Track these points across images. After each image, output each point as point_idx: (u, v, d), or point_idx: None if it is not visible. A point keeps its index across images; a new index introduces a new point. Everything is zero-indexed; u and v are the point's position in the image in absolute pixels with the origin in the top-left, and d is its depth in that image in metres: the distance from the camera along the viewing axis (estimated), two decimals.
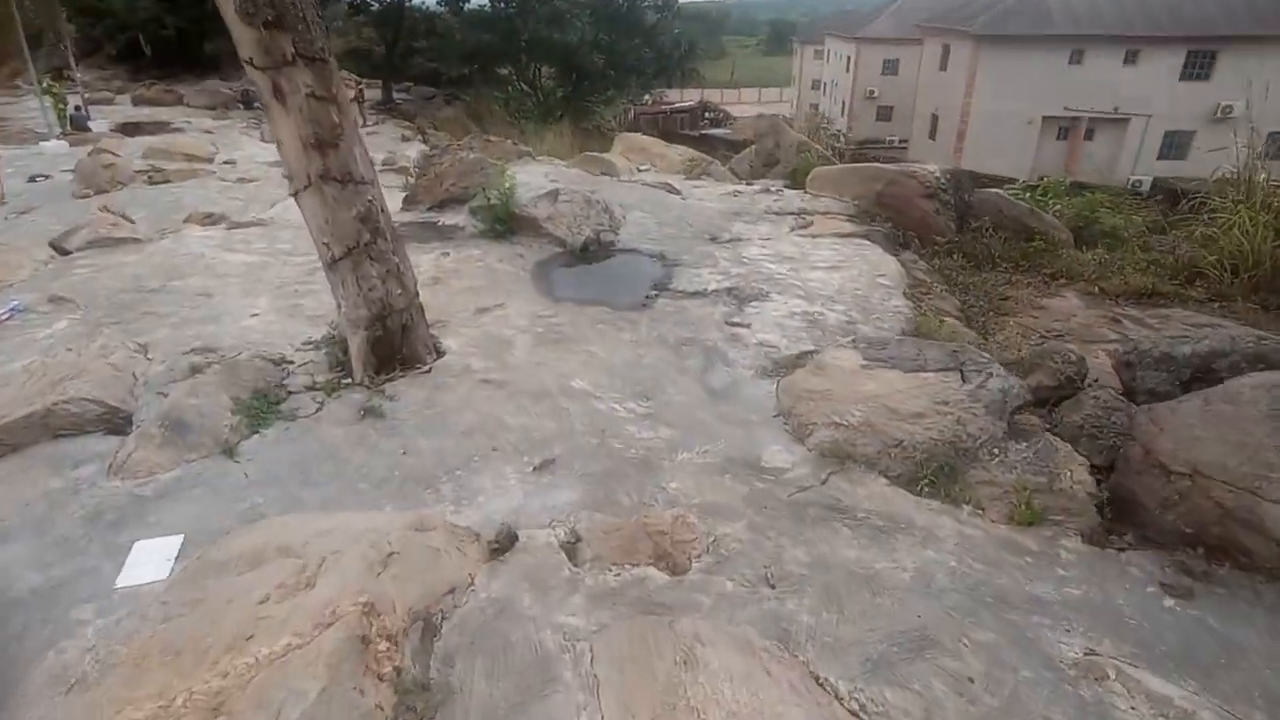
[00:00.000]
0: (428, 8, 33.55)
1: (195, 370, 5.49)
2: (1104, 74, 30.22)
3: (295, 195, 5.49)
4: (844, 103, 46.62)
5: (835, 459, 4.92)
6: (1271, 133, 30.86)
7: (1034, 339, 8.27)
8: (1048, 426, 5.37)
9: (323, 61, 5.09)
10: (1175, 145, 30.93)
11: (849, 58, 46.40)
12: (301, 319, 6.94)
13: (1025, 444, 4.75)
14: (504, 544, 3.90)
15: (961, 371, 5.29)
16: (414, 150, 19.66)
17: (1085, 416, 5.64)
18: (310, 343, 6.42)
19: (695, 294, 7.74)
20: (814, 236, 9.43)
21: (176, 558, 3.85)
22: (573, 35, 33.01)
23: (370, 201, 5.57)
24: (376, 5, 31.71)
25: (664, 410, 5.57)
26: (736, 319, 7.16)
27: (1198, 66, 30.02)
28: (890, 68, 44.29)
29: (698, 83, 45.04)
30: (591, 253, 8.90)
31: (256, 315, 6.97)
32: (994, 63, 30.35)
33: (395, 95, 34.29)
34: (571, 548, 3.99)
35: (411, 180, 10.95)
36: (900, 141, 39.88)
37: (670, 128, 41.12)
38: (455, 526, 4.01)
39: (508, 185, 9.37)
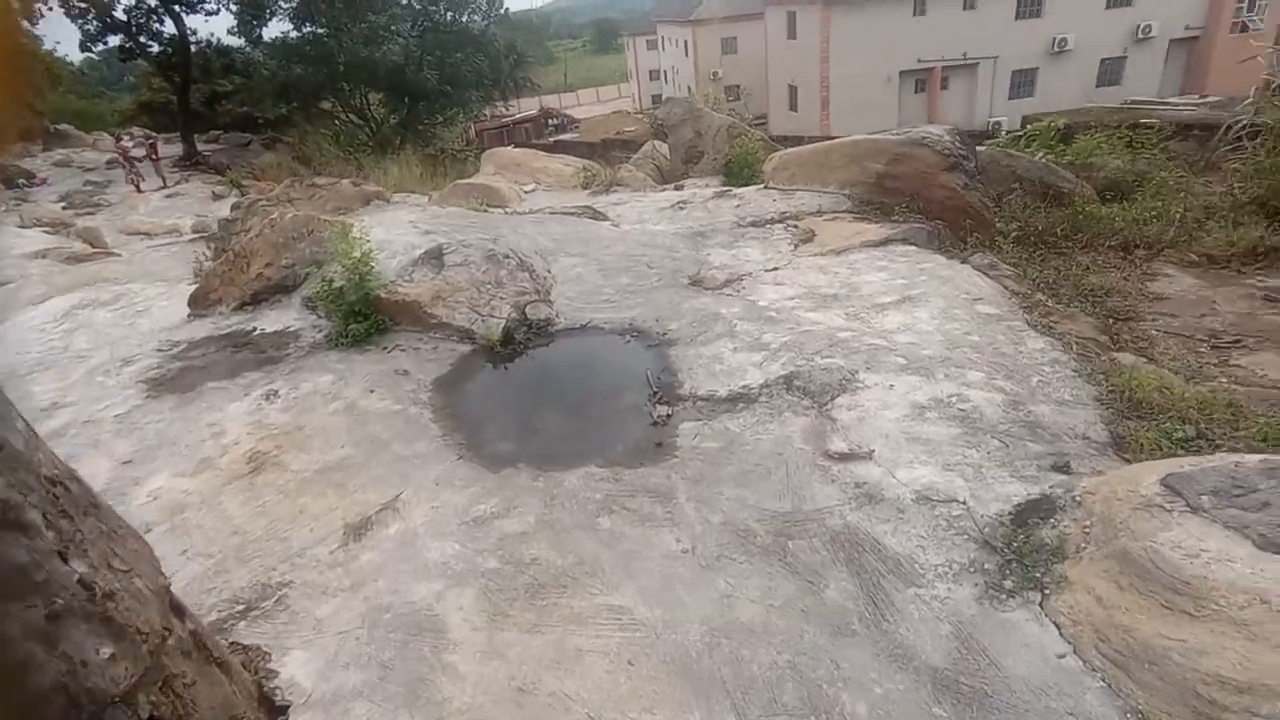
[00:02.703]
0: (219, 41, 27.80)
1: None
2: (947, 22, 28.96)
3: None
4: (688, 88, 44.15)
5: None
6: (1103, 59, 31.01)
7: (1205, 352, 5.43)
8: None
9: None
10: (1023, 84, 30.26)
11: (686, 42, 43.88)
12: None
13: None
14: None
15: None
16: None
17: None
18: None
19: (733, 399, 4.25)
20: (837, 254, 6.15)
21: None
22: (395, 53, 28.39)
23: None
24: (155, 46, 25.78)
25: None
26: (838, 444, 3.74)
27: (1030, 4, 29.37)
28: (729, 46, 42.10)
29: (533, 91, 41.22)
30: (521, 344, 5.21)
31: None
32: (845, 24, 28.41)
33: (202, 147, 28.52)
34: None
35: (204, 265, 6.77)
36: (756, 118, 37.77)
37: (517, 140, 37.20)
38: None
39: (358, 253, 5.50)
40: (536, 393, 4.67)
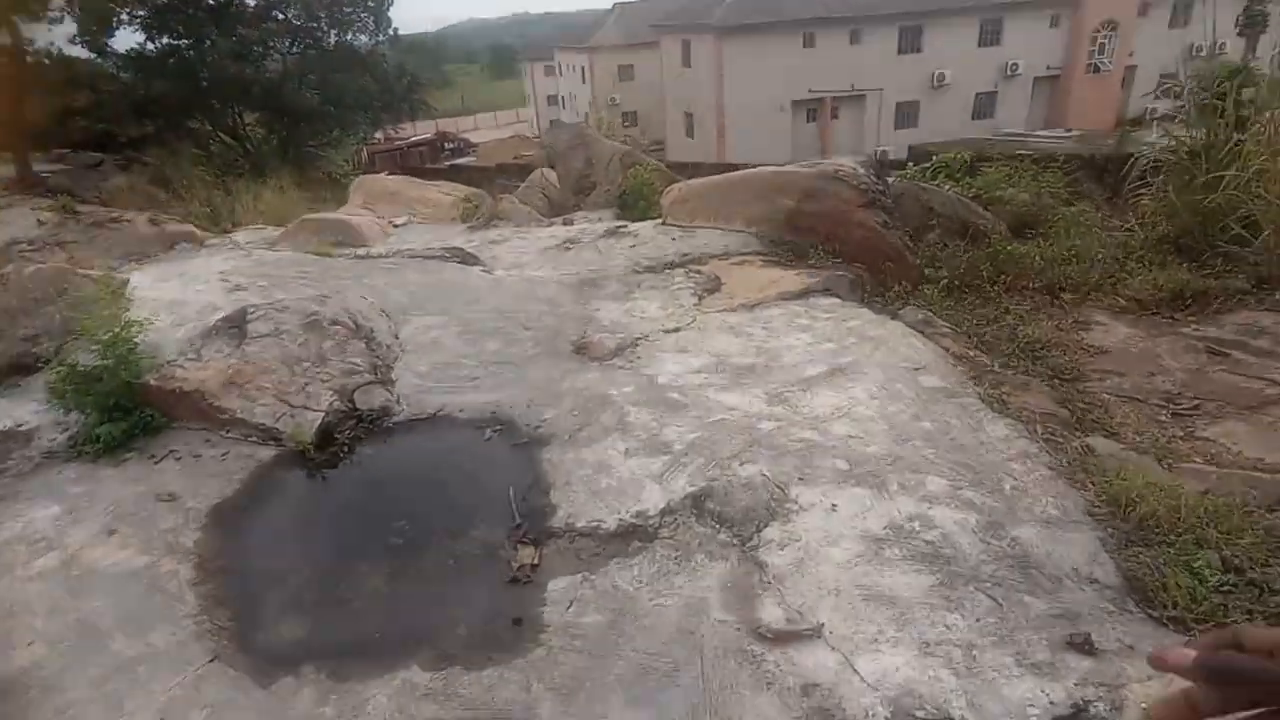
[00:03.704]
0: (59, 51, 24.48)
1: None
2: (835, 55, 29.34)
3: None
4: (586, 114, 43.43)
5: None
6: (977, 93, 32.26)
7: (1167, 422, 4.66)
8: None
9: None
10: (908, 115, 31.00)
11: (583, 68, 43.09)
12: None
13: None
14: None
15: None
16: None
17: None
18: None
19: (625, 534, 3.03)
20: (749, 308, 5.07)
21: None
22: (269, 70, 26.00)
23: None
24: None
25: None
26: (771, 612, 2.58)
27: (910, 40, 30.20)
28: (626, 74, 41.56)
29: (430, 114, 39.33)
30: (345, 445, 3.81)
31: None
32: (738, 54, 28.17)
33: (44, 168, 25.13)
34: None
35: None
36: (654, 144, 37.26)
37: (411, 164, 35.16)
38: None
39: (121, 325, 3.97)
40: (353, 527, 3.30)
